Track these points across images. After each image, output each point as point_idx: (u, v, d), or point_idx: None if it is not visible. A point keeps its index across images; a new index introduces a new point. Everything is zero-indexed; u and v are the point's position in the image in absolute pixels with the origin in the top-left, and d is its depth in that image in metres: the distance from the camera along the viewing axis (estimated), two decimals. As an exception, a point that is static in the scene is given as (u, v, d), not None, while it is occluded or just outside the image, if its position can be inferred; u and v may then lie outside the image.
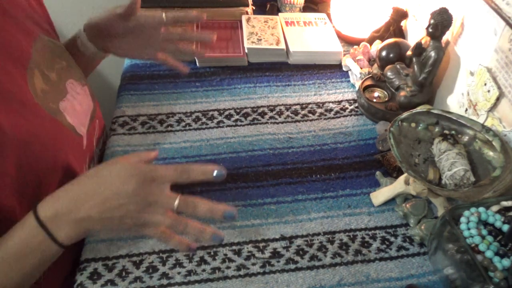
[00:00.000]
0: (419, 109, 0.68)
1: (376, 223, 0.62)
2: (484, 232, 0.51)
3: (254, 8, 1.03)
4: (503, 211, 0.53)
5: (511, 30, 0.58)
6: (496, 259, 0.48)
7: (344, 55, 0.91)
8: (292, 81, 0.87)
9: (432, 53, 0.71)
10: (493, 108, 0.62)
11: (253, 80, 0.87)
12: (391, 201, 0.65)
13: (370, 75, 0.82)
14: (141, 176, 0.48)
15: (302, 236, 0.60)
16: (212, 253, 0.58)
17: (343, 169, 0.70)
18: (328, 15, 1.01)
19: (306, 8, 1.06)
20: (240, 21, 0.98)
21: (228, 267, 0.56)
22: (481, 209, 0.52)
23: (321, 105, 0.82)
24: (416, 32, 0.88)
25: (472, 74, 0.67)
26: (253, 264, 0.57)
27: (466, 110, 0.68)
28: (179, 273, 0.56)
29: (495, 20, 0.61)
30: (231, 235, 0.60)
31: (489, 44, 0.63)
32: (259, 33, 0.93)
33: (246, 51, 0.90)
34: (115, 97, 0.83)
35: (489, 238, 0.50)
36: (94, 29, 0.70)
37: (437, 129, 0.66)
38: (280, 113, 0.79)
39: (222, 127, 0.76)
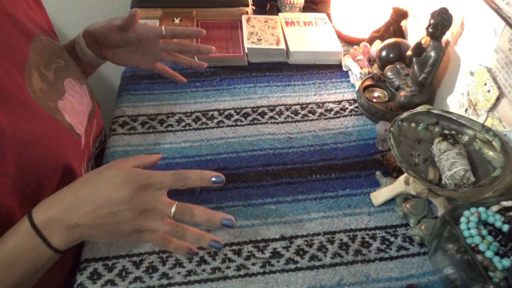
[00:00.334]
0: (419, 109, 0.68)
1: (376, 223, 0.62)
2: (484, 232, 0.51)
3: (254, 8, 1.03)
4: (503, 211, 0.53)
5: (511, 30, 0.58)
6: (496, 259, 0.48)
7: (344, 55, 0.91)
8: (292, 81, 0.87)
9: (432, 53, 0.72)
10: (493, 108, 0.62)
11: (253, 80, 0.87)
12: (391, 201, 0.65)
13: (370, 75, 0.82)
14: (136, 182, 0.47)
15: (302, 236, 0.60)
16: (212, 253, 0.58)
17: (343, 169, 0.70)
18: (328, 15, 1.01)
19: (306, 8, 1.06)
20: (240, 21, 0.98)
21: (228, 267, 0.56)
22: (481, 209, 0.52)
23: (321, 105, 0.82)
24: (416, 32, 0.88)
25: (472, 74, 0.67)
26: (253, 264, 0.57)
27: (466, 110, 0.68)
28: (179, 273, 0.56)
29: (495, 20, 0.61)
30: (231, 235, 0.60)
31: (489, 44, 0.63)
32: (259, 33, 0.93)
33: (246, 51, 0.90)
34: (115, 97, 0.83)
35: (489, 238, 0.50)
36: (93, 37, 0.70)
37: (437, 129, 0.66)
38: (280, 113, 0.79)
39: (222, 127, 0.76)
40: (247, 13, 1.00)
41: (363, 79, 0.81)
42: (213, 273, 0.56)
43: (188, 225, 0.50)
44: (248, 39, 0.91)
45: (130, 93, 0.82)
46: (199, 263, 0.57)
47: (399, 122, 0.65)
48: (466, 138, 0.64)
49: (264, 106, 0.81)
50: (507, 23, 0.58)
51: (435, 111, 0.66)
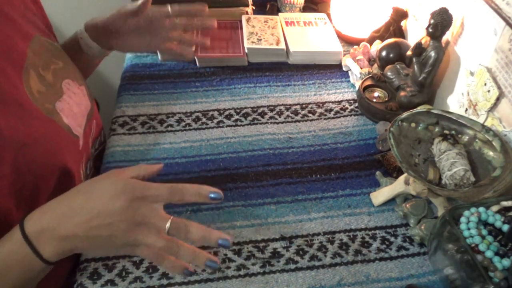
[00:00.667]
0: (419, 109, 0.68)
1: (376, 223, 0.62)
2: (484, 232, 0.51)
3: (254, 8, 1.03)
4: (503, 211, 0.53)
5: (511, 30, 0.58)
6: (496, 259, 0.48)
7: (344, 55, 0.91)
8: (292, 81, 0.87)
9: (432, 53, 0.71)
10: (493, 108, 0.62)
11: (253, 80, 0.87)
12: (391, 201, 0.65)
13: (370, 75, 0.82)
14: (131, 194, 0.45)
15: (302, 236, 0.60)
16: (212, 253, 0.58)
17: (343, 169, 0.70)
18: (328, 15, 1.01)
19: (306, 8, 1.06)
20: (240, 21, 0.98)
21: (228, 267, 0.56)
22: (481, 209, 0.52)
23: (321, 105, 0.82)
24: (416, 32, 0.88)
25: (472, 74, 0.67)
26: (253, 264, 0.57)
27: (466, 110, 0.68)
28: (179, 273, 0.56)
29: (495, 20, 0.61)
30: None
31: (489, 44, 0.63)
32: (259, 33, 0.93)
33: (246, 51, 0.90)
34: (115, 97, 0.83)
35: (489, 238, 0.50)
36: (99, 29, 0.71)
37: (437, 129, 0.66)
38: (280, 113, 0.79)
39: (222, 127, 0.76)
40: (247, 13, 1.00)
41: (363, 79, 0.81)
42: (213, 273, 0.56)
43: (182, 242, 0.47)
44: (248, 39, 0.91)
45: (130, 93, 0.82)
46: (199, 263, 0.57)
47: (399, 122, 0.65)
48: (466, 138, 0.64)
49: (264, 106, 0.81)
50: (507, 23, 0.58)
51: (435, 111, 0.66)
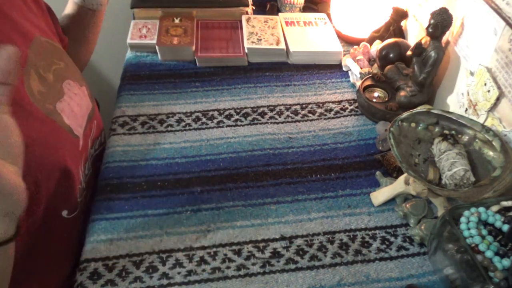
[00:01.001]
0: (419, 109, 0.68)
1: (376, 223, 0.62)
2: (484, 232, 0.51)
3: (254, 8, 1.03)
4: (503, 211, 0.53)
5: (511, 30, 0.58)
6: (496, 259, 0.48)
7: (344, 55, 0.91)
8: (292, 81, 0.87)
9: (432, 53, 0.71)
10: (493, 108, 0.62)
11: (253, 80, 0.87)
12: (391, 201, 0.65)
13: (370, 75, 0.82)
14: None
15: (302, 236, 0.60)
16: (212, 253, 0.58)
17: (343, 169, 0.70)
18: (328, 15, 1.01)
19: (306, 8, 1.06)
20: (240, 21, 0.98)
21: (228, 267, 0.56)
22: (481, 209, 0.53)
23: (321, 105, 0.82)
24: (416, 32, 0.88)
25: (472, 74, 0.67)
26: (253, 264, 0.57)
27: (466, 110, 0.68)
28: (179, 273, 0.56)
29: (495, 20, 0.61)
30: (231, 235, 0.60)
31: (489, 44, 0.63)
32: (259, 33, 0.93)
33: (246, 51, 0.90)
34: (115, 97, 0.83)
35: (489, 238, 0.50)
36: None
37: (437, 129, 0.66)
38: (280, 113, 0.79)
39: (222, 127, 0.76)
40: (247, 13, 1.00)
41: (363, 79, 0.81)
42: (213, 273, 0.56)
43: None
44: (248, 39, 0.91)
45: (130, 93, 0.82)
46: (199, 263, 0.57)
47: (399, 122, 0.65)
48: (466, 138, 0.64)
49: (264, 106, 0.81)
50: (507, 23, 0.58)
51: (435, 111, 0.66)
